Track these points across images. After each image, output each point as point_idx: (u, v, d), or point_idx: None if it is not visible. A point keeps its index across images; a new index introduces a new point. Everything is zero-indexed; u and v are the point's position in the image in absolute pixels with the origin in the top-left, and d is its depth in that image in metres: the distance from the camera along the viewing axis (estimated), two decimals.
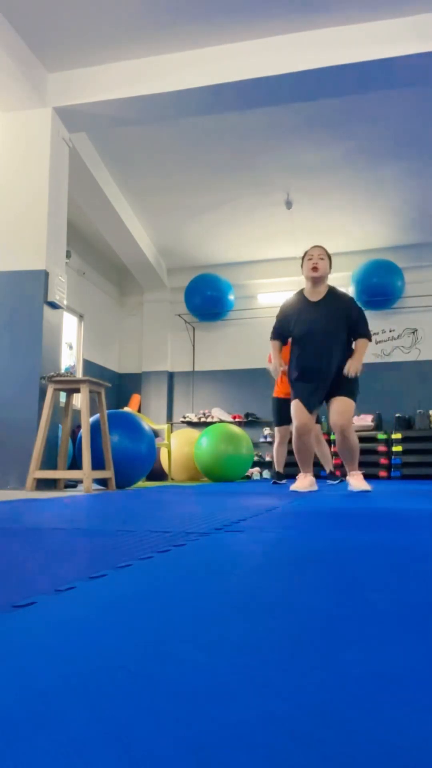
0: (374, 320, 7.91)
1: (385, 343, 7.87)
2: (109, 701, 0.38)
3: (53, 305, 4.33)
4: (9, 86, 4.19)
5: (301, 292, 3.62)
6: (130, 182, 6.12)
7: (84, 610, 0.63)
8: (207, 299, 7.97)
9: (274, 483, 5.01)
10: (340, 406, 3.39)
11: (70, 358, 7.25)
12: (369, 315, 7.89)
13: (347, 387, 3.43)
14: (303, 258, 3.57)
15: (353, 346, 3.47)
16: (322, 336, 3.44)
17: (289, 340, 3.67)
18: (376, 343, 7.87)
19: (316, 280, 3.49)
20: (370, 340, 3.47)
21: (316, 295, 3.52)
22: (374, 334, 7.90)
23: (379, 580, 0.80)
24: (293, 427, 3.53)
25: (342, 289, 3.64)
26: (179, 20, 3.97)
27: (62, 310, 4.49)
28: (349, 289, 7.81)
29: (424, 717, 0.36)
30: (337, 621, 0.59)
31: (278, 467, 5.20)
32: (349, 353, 3.47)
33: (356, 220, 6.98)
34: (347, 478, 3.56)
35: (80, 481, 4.49)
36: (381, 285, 7.44)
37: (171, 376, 8.53)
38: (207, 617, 0.60)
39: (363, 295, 7.58)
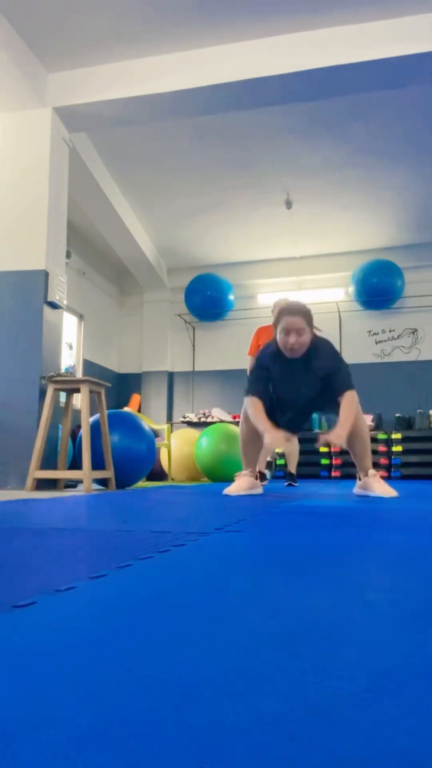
0: (374, 320, 7.91)
1: (385, 343, 7.87)
2: (109, 701, 0.38)
3: (53, 305, 4.33)
4: (9, 86, 4.19)
5: (275, 347, 2.95)
6: (130, 182, 6.12)
7: (84, 610, 0.63)
8: (207, 299, 7.97)
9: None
10: (346, 400, 2.83)
11: (70, 358, 7.25)
12: (369, 315, 7.90)
13: (343, 383, 2.85)
14: (276, 322, 2.89)
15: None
16: (299, 399, 2.97)
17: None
18: (376, 343, 7.88)
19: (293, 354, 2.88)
20: (353, 389, 2.84)
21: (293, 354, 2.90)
22: (374, 334, 7.91)
23: (379, 580, 0.80)
24: (244, 408, 3.00)
25: (323, 333, 3.01)
26: (179, 20, 3.97)
27: (62, 310, 4.49)
28: (349, 289, 7.81)
29: (424, 717, 0.36)
30: (337, 621, 0.59)
31: (260, 467, 4.92)
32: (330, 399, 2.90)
33: (356, 220, 6.98)
34: (363, 482, 2.92)
35: (80, 481, 4.49)
36: (381, 285, 7.44)
37: (171, 376, 8.53)
38: (207, 617, 0.60)
39: (363, 295, 7.58)
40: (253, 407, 2.89)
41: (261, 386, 2.93)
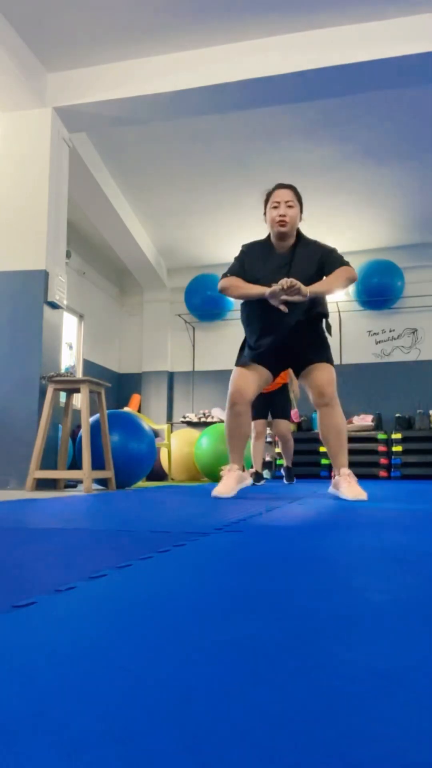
0: (374, 320, 7.91)
1: (385, 343, 7.86)
2: (109, 701, 0.38)
3: (53, 305, 4.33)
4: (9, 86, 4.19)
5: (267, 240, 2.90)
6: (130, 182, 6.12)
7: (84, 610, 0.63)
8: (207, 299, 7.97)
9: (253, 484, 4.62)
10: (323, 374, 2.71)
11: (70, 358, 7.25)
12: (369, 315, 7.90)
13: (324, 353, 2.78)
14: (266, 201, 2.83)
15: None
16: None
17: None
18: (376, 343, 7.87)
19: (283, 235, 2.78)
20: (349, 265, 2.70)
21: (282, 248, 2.83)
22: (374, 334, 7.90)
23: (379, 580, 0.80)
24: (229, 394, 2.85)
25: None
26: (179, 20, 3.96)
27: (62, 310, 4.49)
28: (349, 289, 7.80)
29: (424, 717, 0.36)
30: (337, 621, 0.59)
31: (256, 466, 4.85)
32: (319, 310, 2.78)
33: (356, 220, 6.98)
34: (336, 481, 2.71)
35: (80, 481, 4.49)
36: (381, 285, 7.44)
37: (171, 376, 8.53)
38: (207, 617, 0.60)
39: (363, 295, 7.58)
40: (234, 285, 2.75)
41: (239, 269, 2.82)
